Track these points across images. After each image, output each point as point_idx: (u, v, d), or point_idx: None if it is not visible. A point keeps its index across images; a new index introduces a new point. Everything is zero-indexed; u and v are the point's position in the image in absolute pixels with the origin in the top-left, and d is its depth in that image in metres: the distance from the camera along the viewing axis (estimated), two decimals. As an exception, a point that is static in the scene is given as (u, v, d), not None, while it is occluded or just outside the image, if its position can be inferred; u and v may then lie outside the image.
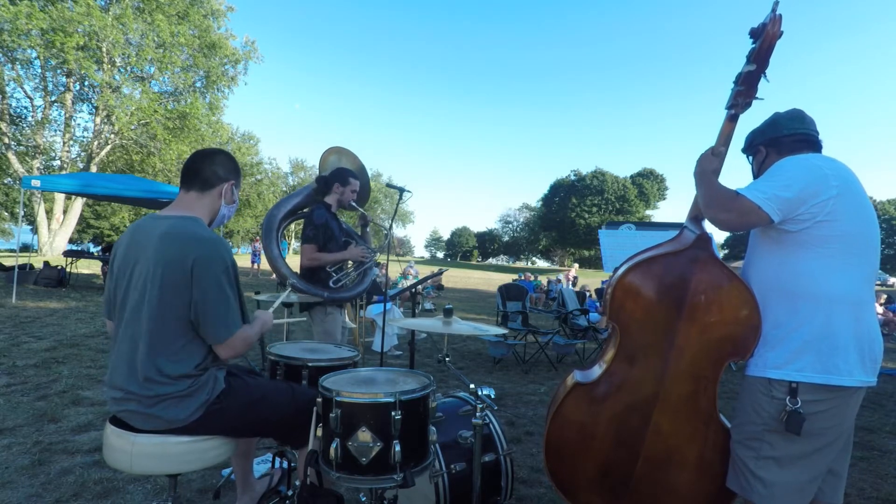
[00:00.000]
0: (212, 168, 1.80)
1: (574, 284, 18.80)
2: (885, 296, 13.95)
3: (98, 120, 22.22)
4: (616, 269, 1.93)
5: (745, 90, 1.72)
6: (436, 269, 6.11)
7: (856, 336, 1.55)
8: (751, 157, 1.94)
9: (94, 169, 21.85)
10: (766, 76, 1.69)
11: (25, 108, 22.29)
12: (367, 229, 3.51)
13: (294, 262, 3.27)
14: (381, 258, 3.59)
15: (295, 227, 3.50)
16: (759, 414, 1.63)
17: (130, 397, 1.60)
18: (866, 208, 1.63)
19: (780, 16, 1.58)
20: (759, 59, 1.66)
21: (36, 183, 10.12)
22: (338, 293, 3.07)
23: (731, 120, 1.77)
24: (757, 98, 1.73)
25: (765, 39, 1.62)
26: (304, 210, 3.30)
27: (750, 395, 1.67)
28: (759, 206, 1.57)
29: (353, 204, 3.22)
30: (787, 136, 1.78)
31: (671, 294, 1.77)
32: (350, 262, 3.21)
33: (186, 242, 1.62)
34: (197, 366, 1.65)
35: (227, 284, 1.66)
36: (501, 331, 2.18)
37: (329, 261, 3.07)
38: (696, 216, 1.90)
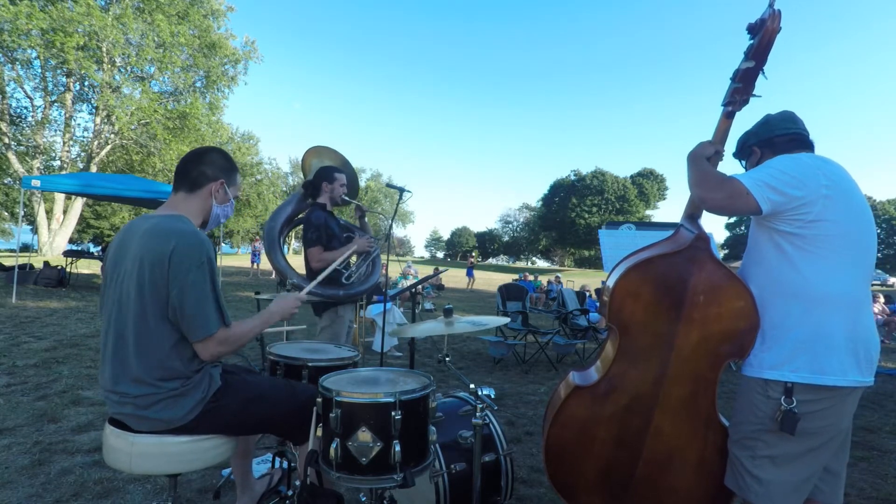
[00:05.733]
0: (199, 168, 1.78)
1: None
2: (882, 296, 13.90)
3: (98, 120, 22.22)
4: (612, 270, 1.91)
5: (742, 87, 1.70)
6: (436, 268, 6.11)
7: (851, 337, 1.54)
8: (744, 161, 1.92)
9: (94, 169, 21.84)
10: (764, 73, 1.68)
11: (25, 108, 22.33)
12: (365, 220, 3.52)
13: (293, 262, 3.27)
14: (383, 258, 3.57)
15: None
16: (755, 414, 1.63)
17: (125, 399, 1.59)
18: (861, 209, 1.61)
19: (779, 11, 1.56)
20: (758, 55, 1.64)
21: (36, 183, 10.12)
22: (353, 288, 3.08)
23: (728, 117, 1.76)
24: (754, 95, 1.72)
25: (763, 35, 1.60)
26: (301, 216, 3.31)
27: (746, 395, 1.67)
28: (748, 190, 1.56)
29: (346, 198, 3.24)
30: (781, 136, 1.76)
31: (671, 295, 1.75)
32: (355, 255, 3.21)
33: (166, 236, 1.59)
34: (188, 366, 1.63)
35: (205, 279, 1.60)
36: (503, 320, 2.17)
37: (336, 258, 3.07)
38: (692, 215, 1.87)
